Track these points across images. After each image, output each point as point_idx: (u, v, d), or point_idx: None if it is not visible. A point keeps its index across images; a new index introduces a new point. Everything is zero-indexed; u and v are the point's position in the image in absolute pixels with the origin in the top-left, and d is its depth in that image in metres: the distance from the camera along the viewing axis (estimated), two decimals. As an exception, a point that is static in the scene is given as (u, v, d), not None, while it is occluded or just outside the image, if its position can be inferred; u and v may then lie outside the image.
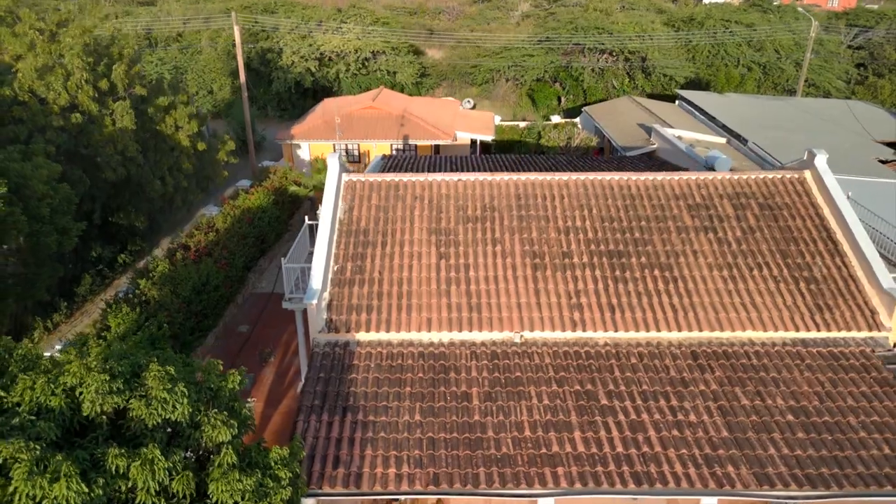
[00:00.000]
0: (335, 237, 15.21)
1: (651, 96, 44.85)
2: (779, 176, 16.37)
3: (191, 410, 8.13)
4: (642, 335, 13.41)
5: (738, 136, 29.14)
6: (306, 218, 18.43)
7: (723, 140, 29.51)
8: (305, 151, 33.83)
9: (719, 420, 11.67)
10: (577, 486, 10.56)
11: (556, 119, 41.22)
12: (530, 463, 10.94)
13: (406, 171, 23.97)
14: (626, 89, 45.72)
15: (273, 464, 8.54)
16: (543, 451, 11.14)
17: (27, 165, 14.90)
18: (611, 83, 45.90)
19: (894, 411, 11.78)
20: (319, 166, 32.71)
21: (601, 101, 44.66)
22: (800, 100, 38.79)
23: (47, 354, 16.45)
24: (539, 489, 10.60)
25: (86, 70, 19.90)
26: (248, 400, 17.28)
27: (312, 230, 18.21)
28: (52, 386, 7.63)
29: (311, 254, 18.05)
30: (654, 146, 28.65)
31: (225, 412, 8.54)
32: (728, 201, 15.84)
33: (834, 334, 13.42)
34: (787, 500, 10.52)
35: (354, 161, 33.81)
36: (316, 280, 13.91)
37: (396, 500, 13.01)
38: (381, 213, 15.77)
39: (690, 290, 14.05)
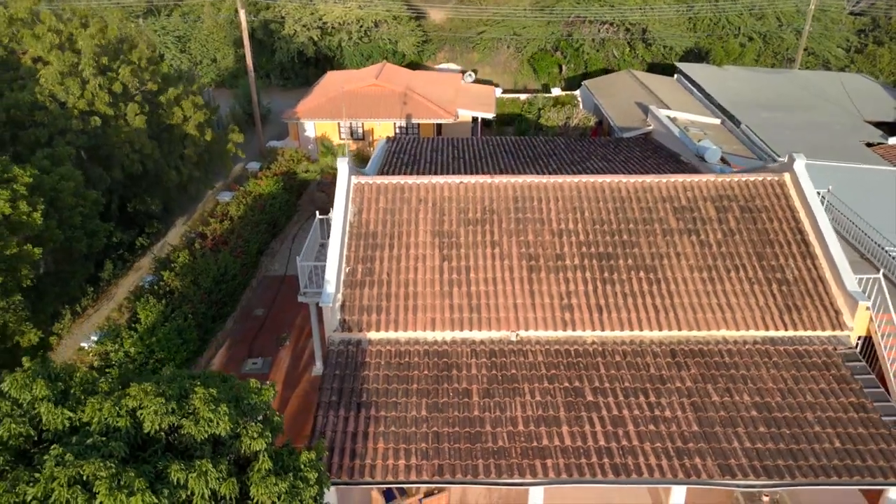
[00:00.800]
0: (346, 240, 16.42)
1: (651, 66, 45.23)
2: (760, 178, 17.47)
3: (231, 425, 9.56)
4: (627, 334, 14.79)
5: (731, 118, 29.98)
6: (318, 213, 19.66)
7: (717, 121, 30.36)
8: (311, 129, 34.69)
9: (691, 415, 13.15)
10: (564, 476, 12.10)
11: (556, 91, 41.79)
12: (523, 455, 12.47)
13: (409, 155, 25.08)
14: (626, 59, 46.08)
15: (303, 466, 10.02)
16: (535, 444, 12.65)
17: (56, 175, 16.04)
18: (611, 53, 46.22)
19: (847, 407, 13.24)
20: (327, 144, 33.62)
21: (602, 71, 45.10)
22: (796, 73, 39.26)
23: (84, 345, 17.99)
24: (530, 479, 12.14)
25: (100, 75, 20.73)
26: (267, 383, 18.87)
27: (322, 224, 19.48)
28: (117, 408, 9.04)
29: (322, 246, 19.39)
30: (650, 128, 29.54)
31: (260, 423, 9.98)
32: (711, 204, 16.99)
33: (801, 333, 14.78)
34: (746, 489, 12.07)
35: (359, 139, 34.71)
36: (330, 283, 15.22)
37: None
38: (388, 215, 16.95)
39: (672, 291, 15.36)
